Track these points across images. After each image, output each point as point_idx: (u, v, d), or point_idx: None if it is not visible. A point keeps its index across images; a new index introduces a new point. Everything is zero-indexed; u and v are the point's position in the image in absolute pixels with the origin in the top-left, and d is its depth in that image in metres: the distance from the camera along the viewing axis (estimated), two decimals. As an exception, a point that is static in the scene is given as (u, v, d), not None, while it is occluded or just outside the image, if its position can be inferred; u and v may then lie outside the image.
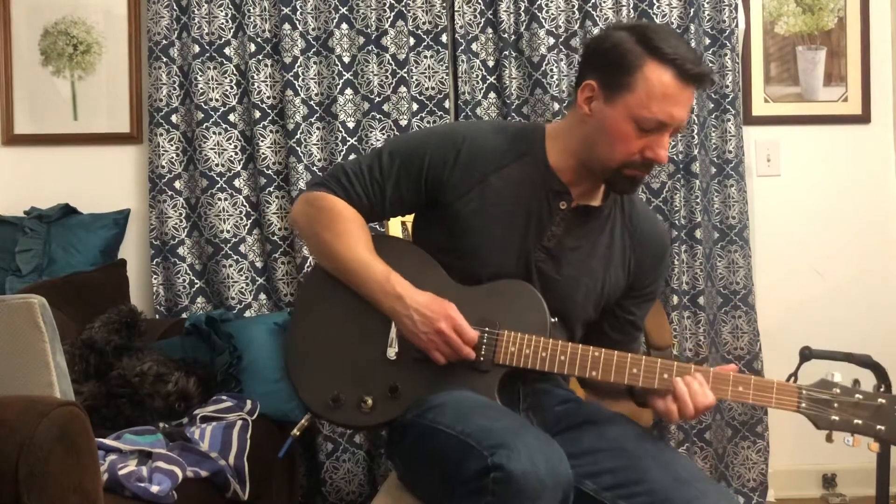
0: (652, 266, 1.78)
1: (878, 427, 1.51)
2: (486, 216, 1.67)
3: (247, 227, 2.89)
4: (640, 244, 1.76)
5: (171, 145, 2.90)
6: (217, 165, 2.87)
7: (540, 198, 1.68)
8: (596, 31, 2.85)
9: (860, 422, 1.52)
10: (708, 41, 2.94)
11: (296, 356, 1.75)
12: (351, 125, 2.88)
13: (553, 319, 1.65)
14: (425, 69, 2.90)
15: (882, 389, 1.54)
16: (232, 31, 2.89)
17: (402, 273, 1.67)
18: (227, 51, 2.88)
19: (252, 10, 2.86)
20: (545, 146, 1.70)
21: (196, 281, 2.91)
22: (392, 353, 1.68)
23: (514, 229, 1.68)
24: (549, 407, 1.72)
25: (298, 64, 2.85)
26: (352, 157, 2.83)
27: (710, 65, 2.91)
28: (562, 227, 1.68)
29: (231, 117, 2.89)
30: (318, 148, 2.89)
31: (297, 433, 1.76)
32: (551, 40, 2.87)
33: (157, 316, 2.89)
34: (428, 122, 2.90)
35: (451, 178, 1.68)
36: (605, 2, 2.89)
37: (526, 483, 1.35)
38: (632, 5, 2.90)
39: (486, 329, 1.63)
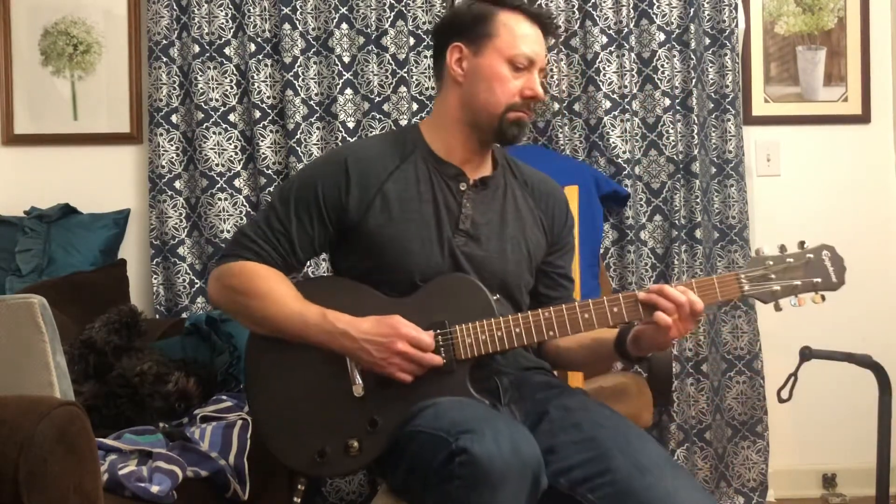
0: (562, 218, 1.88)
1: (815, 280, 1.62)
2: (397, 222, 1.70)
3: (247, 227, 2.89)
4: (544, 201, 1.85)
5: (171, 145, 2.90)
6: (217, 165, 2.87)
7: (441, 187, 1.74)
8: (596, 31, 2.85)
9: (798, 282, 1.61)
10: (708, 41, 2.94)
11: (268, 427, 1.71)
12: (351, 125, 2.88)
13: (495, 297, 1.69)
14: (425, 69, 2.90)
15: (805, 246, 1.62)
16: (232, 31, 2.89)
17: (337, 306, 1.65)
18: (227, 51, 2.88)
19: (252, 10, 2.86)
20: (426, 140, 1.77)
21: (196, 281, 2.91)
22: (357, 389, 1.65)
23: (428, 225, 1.71)
24: (530, 397, 1.72)
25: (298, 64, 2.85)
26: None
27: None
28: (469, 207, 1.74)
29: (231, 117, 2.89)
30: (318, 148, 2.89)
31: (298, 500, 1.79)
32: (551, 40, 2.85)
33: (157, 316, 2.89)
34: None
35: (350, 199, 1.71)
36: (605, 2, 2.88)
37: (490, 465, 1.35)
38: (632, 5, 2.90)
39: (438, 331, 1.63)
